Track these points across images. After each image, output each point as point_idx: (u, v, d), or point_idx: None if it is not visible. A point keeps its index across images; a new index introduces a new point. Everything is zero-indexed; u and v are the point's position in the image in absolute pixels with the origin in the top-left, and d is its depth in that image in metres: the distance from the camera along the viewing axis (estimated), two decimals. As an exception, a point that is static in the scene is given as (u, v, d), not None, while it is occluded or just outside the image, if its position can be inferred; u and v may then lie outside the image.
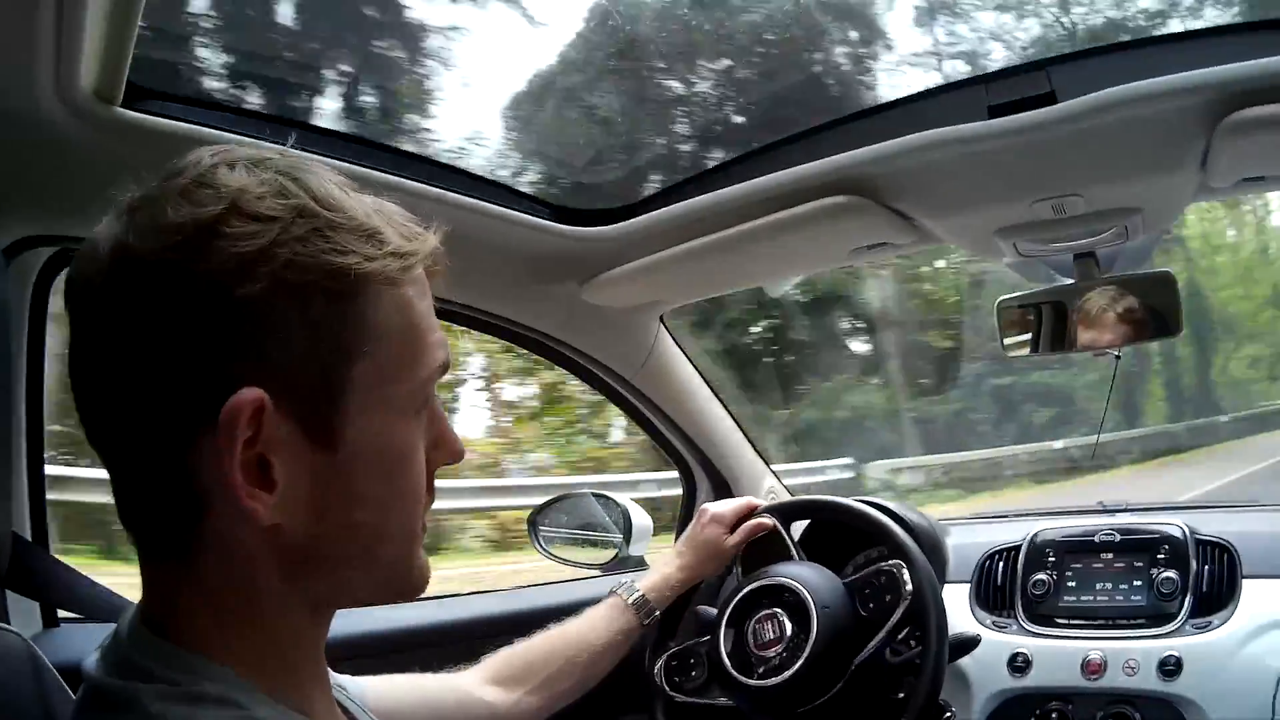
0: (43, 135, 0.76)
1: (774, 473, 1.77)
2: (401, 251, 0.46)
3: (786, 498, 1.65)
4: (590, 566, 1.61)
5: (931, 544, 1.12)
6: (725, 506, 1.20)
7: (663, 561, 1.17)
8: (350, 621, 1.24)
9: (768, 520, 1.19)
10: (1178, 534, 1.25)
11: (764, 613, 1.07)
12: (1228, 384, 10.34)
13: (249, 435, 0.42)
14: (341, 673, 0.65)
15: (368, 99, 2.29)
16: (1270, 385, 10.22)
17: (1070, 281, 1.11)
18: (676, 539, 1.72)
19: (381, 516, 0.48)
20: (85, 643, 0.58)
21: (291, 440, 0.44)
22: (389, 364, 0.46)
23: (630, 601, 1.06)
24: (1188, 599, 1.20)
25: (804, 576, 1.08)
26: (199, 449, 0.43)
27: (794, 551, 1.16)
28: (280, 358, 0.43)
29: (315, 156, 0.52)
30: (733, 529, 1.17)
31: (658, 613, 1.09)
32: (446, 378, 0.53)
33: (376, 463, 0.47)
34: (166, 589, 0.48)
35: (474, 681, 0.94)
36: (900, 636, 1.14)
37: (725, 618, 1.09)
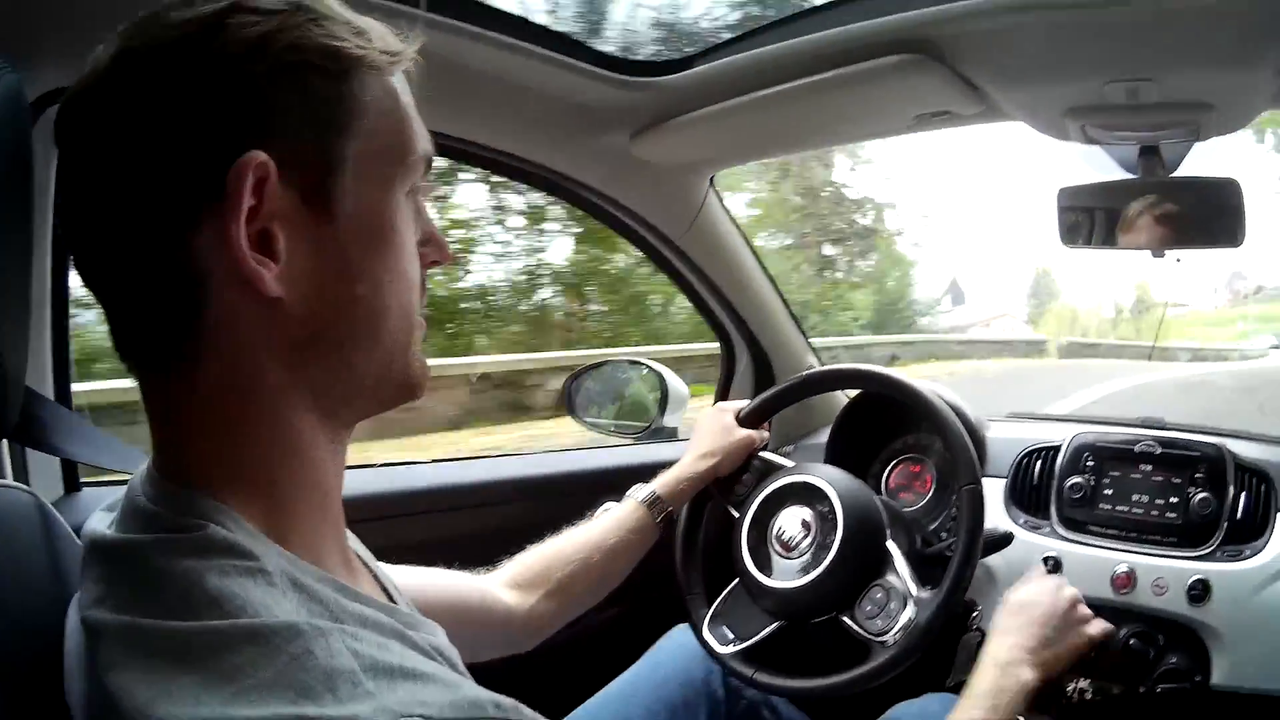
0: None
1: (813, 349, 1.78)
2: (389, 49, 0.49)
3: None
4: (624, 434, 1.63)
5: (975, 434, 1.06)
6: (737, 403, 1.20)
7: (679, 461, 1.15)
8: (366, 479, 1.26)
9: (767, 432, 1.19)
10: (1217, 455, 1.19)
11: (789, 510, 1.06)
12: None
13: (254, 203, 0.44)
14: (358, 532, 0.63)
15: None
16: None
17: (1133, 177, 1.06)
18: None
19: (378, 293, 0.49)
20: None
21: (293, 211, 0.46)
22: (379, 143, 0.49)
23: (641, 499, 1.05)
24: (1223, 524, 1.15)
25: (830, 475, 1.06)
26: (201, 228, 0.44)
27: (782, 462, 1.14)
28: (282, 130, 0.45)
29: None
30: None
31: (670, 509, 1.06)
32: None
33: (371, 236, 0.48)
34: (167, 413, 0.48)
35: (496, 583, 0.94)
36: (933, 527, 1.13)
37: (749, 515, 1.08)
